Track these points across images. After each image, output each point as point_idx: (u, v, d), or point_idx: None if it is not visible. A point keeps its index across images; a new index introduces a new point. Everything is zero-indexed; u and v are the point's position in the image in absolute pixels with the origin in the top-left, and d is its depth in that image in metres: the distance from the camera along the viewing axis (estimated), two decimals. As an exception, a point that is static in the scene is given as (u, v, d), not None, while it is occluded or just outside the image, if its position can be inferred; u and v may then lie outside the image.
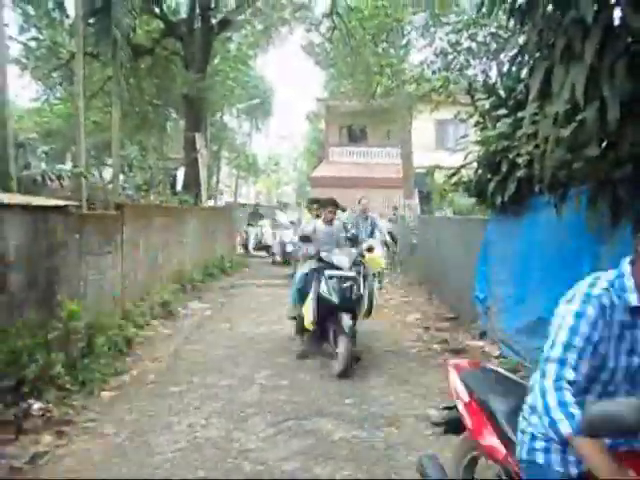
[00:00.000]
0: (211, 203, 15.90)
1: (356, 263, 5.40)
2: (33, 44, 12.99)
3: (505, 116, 5.11)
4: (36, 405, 3.62)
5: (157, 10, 12.81)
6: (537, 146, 3.83)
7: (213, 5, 13.27)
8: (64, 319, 4.28)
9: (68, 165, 11.07)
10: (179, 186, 14.10)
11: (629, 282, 1.64)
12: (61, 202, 4.84)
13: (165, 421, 3.73)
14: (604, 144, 3.43)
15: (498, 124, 5.08)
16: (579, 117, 3.36)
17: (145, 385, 4.50)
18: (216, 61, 15.12)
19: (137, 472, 3.01)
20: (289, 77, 61.19)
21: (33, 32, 12.74)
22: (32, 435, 3.37)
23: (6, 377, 3.53)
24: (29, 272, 4.17)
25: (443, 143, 21.12)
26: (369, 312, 5.43)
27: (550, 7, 3.37)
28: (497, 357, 5.21)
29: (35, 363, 3.72)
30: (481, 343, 5.72)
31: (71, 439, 3.41)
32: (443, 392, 4.42)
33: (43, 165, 8.13)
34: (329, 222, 5.97)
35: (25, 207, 4.15)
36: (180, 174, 15.70)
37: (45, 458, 3.13)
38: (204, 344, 5.87)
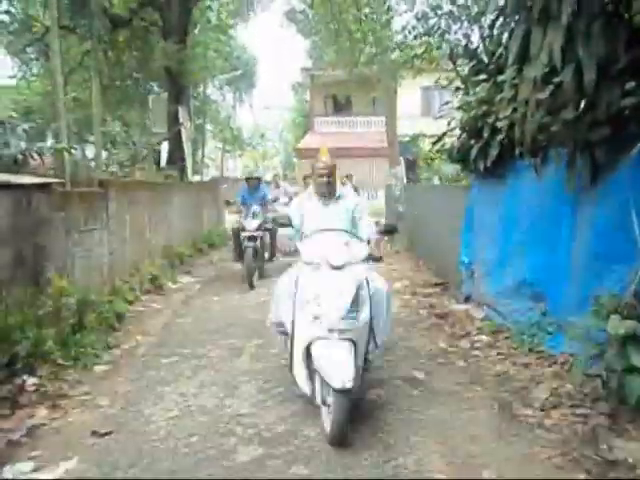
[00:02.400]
0: (197, 178, 15.78)
1: None
2: (6, 18, 12.60)
3: (485, 80, 5.12)
4: (30, 380, 3.68)
5: (133, -21, 12.45)
6: (516, 109, 3.87)
7: (191, -28, 12.91)
8: (54, 296, 4.32)
9: (49, 142, 10.90)
10: (164, 162, 13.96)
11: None
12: (44, 180, 4.81)
13: (158, 391, 3.82)
14: (581, 106, 3.47)
15: (478, 89, 5.09)
16: (557, 80, 3.39)
17: (137, 358, 4.57)
18: (196, 31, 14.80)
19: (132, 439, 3.10)
20: (272, 47, 60.02)
21: (5, 5, 12.35)
22: (27, 409, 3.43)
23: (-2, 354, 3.58)
24: (15, 250, 4.18)
25: (429, 110, 21.03)
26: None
27: (527, -32, 3.36)
28: (481, 320, 5.34)
29: (26, 339, 3.76)
30: (466, 307, 5.85)
31: (67, 412, 3.48)
32: (428, 355, 4.56)
33: (23, 144, 8.01)
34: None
35: (7, 186, 4.12)
36: (164, 149, 15.53)
37: (42, 430, 3.21)
38: (194, 317, 5.94)
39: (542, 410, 3.39)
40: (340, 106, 26.44)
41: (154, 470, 2.77)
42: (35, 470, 2.79)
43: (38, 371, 3.80)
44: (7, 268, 4.06)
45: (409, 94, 20.09)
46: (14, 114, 11.67)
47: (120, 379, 4.07)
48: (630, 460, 2.72)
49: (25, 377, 3.68)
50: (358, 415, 3.38)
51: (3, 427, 3.18)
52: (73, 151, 7.83)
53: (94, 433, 3.16)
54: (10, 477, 2.70)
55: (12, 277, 4.11)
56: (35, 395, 3.58)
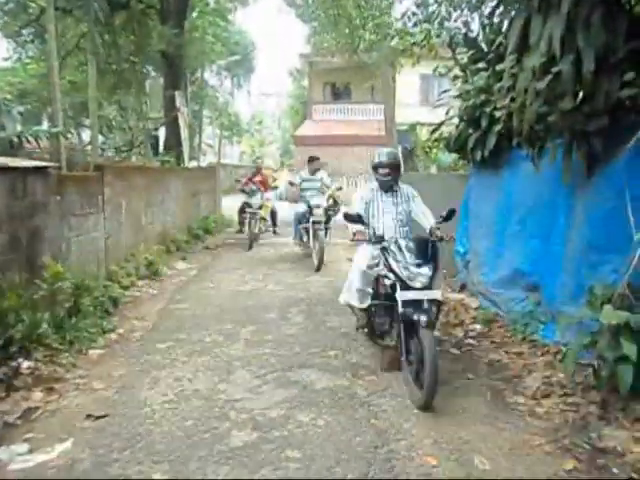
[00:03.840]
0: (194, 163, 15.71)
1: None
2: (1, -1, 12.43)
3: (484, 69, 5.10)
4: (25, 364, 3.69)
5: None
6: (514, 99, 3.85)
7: (189, -46, 12.74)
8: (49, 280, 4.31)
9: (45, 126, 10.83)
10: (162, 148, 13.88)
11: None
12: (40, 163, 4.78)
13: (153, 375, 3.83)
14: (580, 97, 3.46)
15: (476, 77, 5.07)
16: (555, 69, 3.38)
17: (132, 343, 4.59)
18: (194, 15, 14.62)
19: (127, 423, 3.12)
20: (271, 32, 59.42)
21: (0, -15, 12.17)
22: (23, 392, 3.45)
23: (-6, 337, 3.58)
24: (10, 234, 4.16)
25: (427, 99, 20.94)
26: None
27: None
28: (475, 309, 5.37)
29: (22, 323, 3.77)
30: (460, 296, 5.88)
31: (61, 395, 3.50)
32: (423, 342, 4.58)
33: (18, 127, 7.95)
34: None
35: (2, 169, 4.09)
36: (162, 135, 15.42)
37: (37, 413, 3.23)
38: (190, 303, 5.96)
39: (534, 398, 3.43)
40: (339, 93, 26.28)
41: (148, 453, 2.79)
42: (30, 452, 2.81)
43: (33, 354, 3.80)
44: (2, 251, 4.05)
45: (408, 82, 19.96)
46: (9, 96, 11.57)
47: (115, 363, 4.09)
48: (619, 448, 2.76)
49: (20, 360, 3.69)
50: (351, 401, 3.42)
51: (-2, 409, 3.19)
52: (69, 135, 7.79)
53: (89, 416, 3.19)
54: (5, 458, 2.72)
55: (7, 261, 4.10)
56: (30, 378, 3.59)
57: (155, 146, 14.86)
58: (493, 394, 3.54)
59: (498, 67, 4.47)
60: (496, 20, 5.42)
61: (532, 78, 3.50)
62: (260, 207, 9.99)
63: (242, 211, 10.51)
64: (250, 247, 9.71)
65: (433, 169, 11.31)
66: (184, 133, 12.59)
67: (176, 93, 12.31)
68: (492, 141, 4.99)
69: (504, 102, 4.26)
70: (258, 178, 10.97)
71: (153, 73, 16.54)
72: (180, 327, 5.01)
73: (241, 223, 10.80)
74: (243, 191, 10.59)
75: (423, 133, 13.08)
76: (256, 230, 9.98)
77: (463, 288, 6.06)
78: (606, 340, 3.06)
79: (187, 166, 12.94)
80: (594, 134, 3.58)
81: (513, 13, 4.06)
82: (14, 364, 3.63)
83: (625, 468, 2.63)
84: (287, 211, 11.45)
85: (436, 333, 4.81)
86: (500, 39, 5.03)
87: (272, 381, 3.75)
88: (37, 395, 3.45)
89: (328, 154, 19.88)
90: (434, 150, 11.59)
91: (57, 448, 2.85)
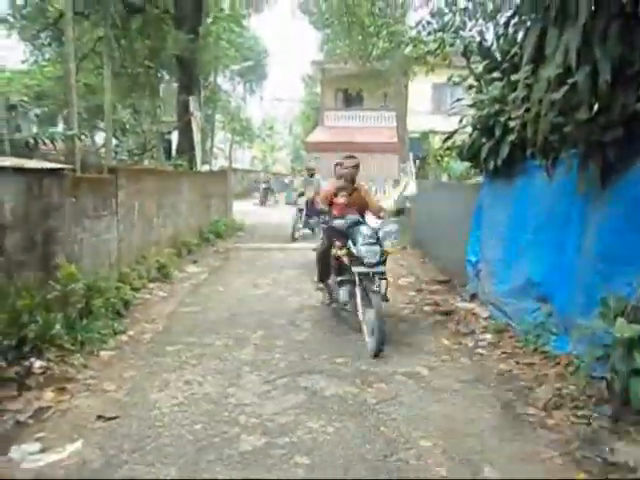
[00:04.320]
0: (206, 167, 15.81)
1: None
2: (20, 1, 12.61)
3: (499, 79, 5.10)
4: (37, 363, 3.73)
5: (147, -34, 12.41)
6: (529, 109, 3.85)
7: (205, -40, 12.88)
8: (62, 281, 4.36)
9: (60, 128, 10.95)
10: (174, 151, 13.99)
11: None
12: (55, 165, 4.84)
13: (163, 378, 3.85)
14: (595, 108, 3.45)
15: (491, 87, 5.07)
16: (571, 80, 3.37)
17: (143, 345, 4.61)
18: (209, 20, 14.76)
19: (137, 425, 3.14)
20: (284, 39, 59.74)
21: (19, -11, 12.37)
22: (34, 392, 3.49)
23: (7, 336, 3.62)
24: (25, 234, 4.21)
25: (440, 107, 20.92)
26: None
27: (545, -33, 3.33)
28: (486, 319, 5.34)
29: (35, 323, 3.81)
30: (471, 305, 5.85)
31: (73, 395, 3.53)
32: (432, 352, 4.57)
33: (34, 128, 8.04)
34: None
35: (19, 170, 4.15)
36: (175, 139, 15.53)
37: (48, 413, 3.26)
38: (200, 306, 5.98)
39: (545, 410, 3.40)
40: (351, 100, 26.35)
41: (158, 455, 2.80)
42: (42, 451, 2.83)
43: (45, 354, 3.85)
44: (17, 252, 4.10)
45: (420, 90, 20.00)
46: (25, 98, 11.72)
47: (125, 365, 4.11)
48: (631, 463, 2.73)
49: (33, 360, 3.73)
50: (360, 408, 3.42)
51: (11, 408, 3.23)
52: (83, 137, 7.88)
53: (99, 417, 3.21)
54: (18, 457, 2.75)
55: (22, 261, 4.15)
56: (42, 378, 3.63)
57: (168, 150, 14.97)
58: (503, 405, 3.52)
59: (513, 77, 4.47)
60: (511, 30, 5.43)
61: (547, 89, 3.49)
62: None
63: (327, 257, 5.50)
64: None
65: (444, 178, 11.29)
66: (197, 137, 12.69)
67: (190, 98, 12.43)
68: (505, 151, 4.98)
69: (519, 112, 4.25)
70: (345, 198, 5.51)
71: (167, 77, 16.68)
72: (190, 330, 5.03)
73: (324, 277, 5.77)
74: (326, 223, 5.45)
75: (435, 141, 13.06)
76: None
77: (474, 297, 6.03)
78: (619, 353, 3.04)
79: (199, 170, 13.02)
80: (609, 145, 3.56)
81: (529, 24, 4.06)
82: (27, 363, 3.68)
83: (637, 483, 2.60)
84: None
85: (446, 342, 4.82)
86: (515, 49, 5.03)
87: (281, 386, 3.75)
88: (49, 395, 3.48)
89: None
90: (446, 159, 11.58)
91: (68, 448, 2.87)
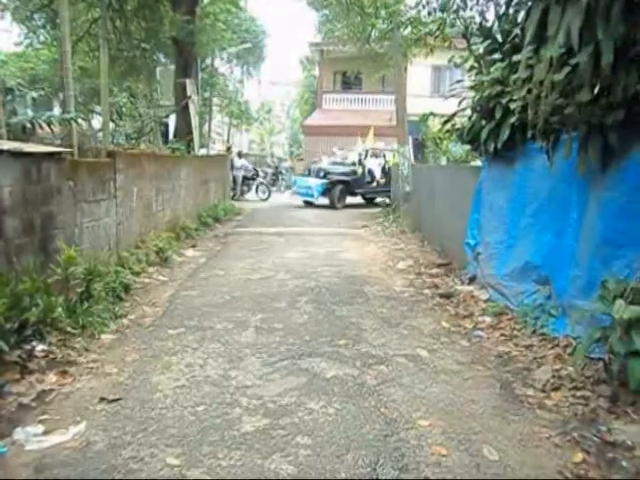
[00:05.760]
0: (203, 151, 15.73)
1: None
2: (13, -19, 12.41)
3: (500, 60, 5.06)
4: (39, 347, 3.74)
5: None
6: (530, 90, 3.82)
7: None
8: (62, 264, 4.36)
9: (56, 112, 10.85)
10: (172, 135, 13.90)
11: None
12: (54, 149, 4.81)
13: (164, 361, 3.88)
14: (597, 89, 3.43)
15: (492, 68, 5.03)
16: (573, 61, 3.35)
17: (144, 328, 4.63)
18: (206, 1, 14.56)
19: (140, 407, 3.16)
20: (282, 20, 59.04)
21: (12, -30, 12.15)
22: (37, 375, 3.50)
23: (9, 320, 3.62)
24: (25, 218, 4.20)
25: (439, 89, 20.78)
26: None
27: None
28: (485, 301, 5.37)
29: (36, 307, 3.81)
30: (470, 288, 5.88)
31: (75, 378, 3.55)
32: (432, 334, 4.60)
33: (29, 112, 7.97)
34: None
35: (17, 153, 4.12)
36: (172, 122, 15.42)
37: (51, 395, 3.28)
38: (200, 290, 6.00)
39: (543, 391, 3.44)
40: (349, 83, 26.16)
41: (161, 437, 2.83)
42: (45, 433, 2.86)
43: (47, 338, 3.86)
44: (17, 236, 4.09)
45: (419, 73, 19.83)
46: (21, 82, 11.59)
47: (127, 348, 4.13)
48: (629, 442, 2.77)
49: (35, 343, 3.74)
50: (361, 390, 3.45)
51: (14, 391, 3.24)
52: (80, 121, 7.80)
53: (102, 399, 3.23)
54: (21, 438, 2.77)
55: (22, 245, 4.14)
56: (44, 361, 3.64)
57: (165, 133, 14.88)
58: (502, 386, 3.55)
59: (514, 58, 4.43)
60: (512, 10, 5.37)
61: (549, 70, 3.47)
62: None
63: None
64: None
65: (443, 161, 11.25)
66: (194, 121, 12.60)
67: (187, 81, 12.31)
68: (506, 133, 4.96)
69: (520, 93, 4.22)
70: None
71: (164, 60, 16.49)
72: (190, 314, 5.05)
73: None
74: None
75: (434, 124, 12.99)
76: None
77: (473, 280, 6.06)
78: (618, 335, 3.06)
79: (197, 154, 12.96)
80: (610, 127, 3.55)
81: (530, 3, 4.02)
82: (28, 347, 3.69)
83: (635, 462, 2.64)
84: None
85: (445, 324, 4.85)
86: (516, 30, 4.98)
87: (282, 369, 3.78)
88: (51, 378, 3.50)
89: (338, 144, 19.83)
90: (445, 142, 11.54)
91: (71, 430, 2.89)
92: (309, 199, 16.32)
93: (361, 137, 17.80)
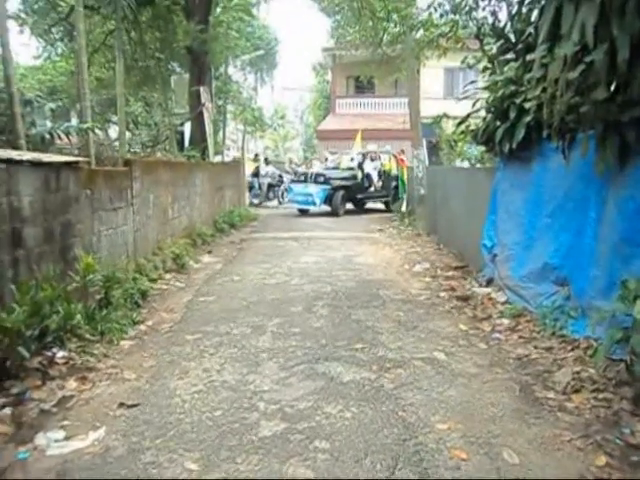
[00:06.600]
0: (218, 158, 15.86)
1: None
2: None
3: (513, 60, 5.02)
4: (60, 353, 3.79)
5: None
6: (545, 90, 3.78)
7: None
8: (81, 272, 4.42)
9: (74, 122, 11.03)
10: (187, 143, 14.05)
11: None
12: (71, 158, 4.88)
13: (182, 366, 3.90)
14: (613, 86, 3.38)
15: (505, 68, 4.99)
16: (588, 59, 3.30)
17: (161, 334, 4.67)
18: (219, 10, 14.72)
19: (158, 412, 3.19)
20: (294, 27, 59.38)
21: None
22: (58, 381, 3.55)
23: (30, 327, 3.68)
24: (44, 227, 4.27)
25: (452, 92, 20.68)
26: None
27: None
28: (502, 303, 5.31)
29: (56, 314, 3.87)
30: (487, 290, 5.82)
31: (95, 384, 3.59)
32: (449, 337, 4.56)
33: (48, 123, 8.11)
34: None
35: (37, 163, 4.20)
36: (187, 131, 15.58)
37: (72, 401, 3.32)
38: (216, 296, 6.03)
39: (564, 393, 3.38)
40: (362, 87, 26.14)
41: (179, 442, 2.85)
42: (66, 438, 2.89)
43: (67, 345, 3.91)
44: (37, 244, 4.16)
45: (432, 75, 19.77)
46: (40, 93, 11.82)
47: (145, 354, 4.17)
48: (653, 445, 2.71)
49: (55, 350, 3.79)
50: (378, 394, 3.43)
51: (35, 397, 3.29)
52: (97, 131, 7.93)
53: (121, 405, 3.26)
54: (43, 443, 2.81)
55: (42, 253, 4.21)
56: (65, 367, 3.69)
57: (180, 141, 15.03)
58: (522, 389, 3.50)
59: (528, 57, 4.39)
60: (525, 9, 5.33)
61: (564, 68, 3.43)
62: None
63: None
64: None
65: (458, 162, 11.19)
66: (209, 128, 12.72)
67: (201, 89, 12.44)
68: (521, 133, 4.91)
69: (535, 93, 4.18)
70: None
71: (178, 69, 16.71)
72: (207, 319, 5.08)
73: None
74: None
75: (448, 126, 12.93)
76: None
77: (490, 282, 6.00)
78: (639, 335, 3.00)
79: (212, 161, 13.07)
80: (627, 125, 3.50)
81: (543, 1, 3.98)
82: (49, 354, 3.74)
83: (659, 465, 2.58)
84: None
85: (463, 327, 4.81)
86: (529, 29, 4.94)
87: (299, 373, 3.78)
88: (71, 384, 3.54)
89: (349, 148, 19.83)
90: (459, 143, 11.45)
91: (91, 435, 2.92)
92: (308, 207, 15.31)
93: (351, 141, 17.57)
